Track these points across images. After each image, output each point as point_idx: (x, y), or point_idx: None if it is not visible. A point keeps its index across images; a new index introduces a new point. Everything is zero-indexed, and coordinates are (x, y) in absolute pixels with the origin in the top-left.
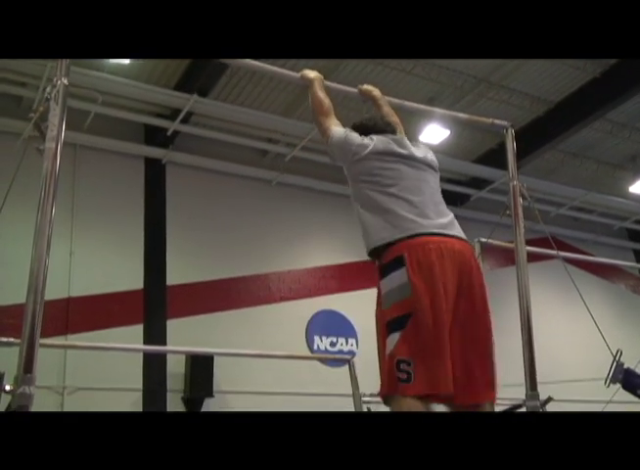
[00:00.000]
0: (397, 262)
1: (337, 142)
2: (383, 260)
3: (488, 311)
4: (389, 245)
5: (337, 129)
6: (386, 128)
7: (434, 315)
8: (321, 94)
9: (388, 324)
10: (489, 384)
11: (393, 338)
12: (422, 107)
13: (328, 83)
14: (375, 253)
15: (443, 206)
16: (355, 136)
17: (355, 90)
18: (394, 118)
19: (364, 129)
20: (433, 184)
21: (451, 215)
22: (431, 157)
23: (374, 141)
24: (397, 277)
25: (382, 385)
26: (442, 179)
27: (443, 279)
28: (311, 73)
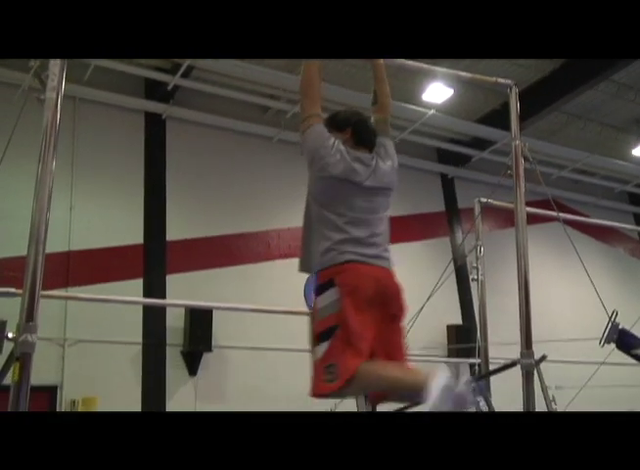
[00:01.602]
0: (330, 283)
1: (310, 147)
2: (319, 281)
3: (403, 327)
4: (326, 268)
5: (315, 129)
6: (364, 138)
7: (358, 326)
8: (314, 75)
9: (319, 335)
10: None
11: (322, 346)
12: (424, 65)
13: None
14: (310, 270)
15: (384, 237)
16: (328, 147)
17: None
18: (387, 99)
19: (356, 129)
20: (382, 213)
21: (385, 246)
22: (390, 180)
23: (342, 162)
24: (329, 295)
25: (312, 386)
26: (444, 139)
27: (368, 297)
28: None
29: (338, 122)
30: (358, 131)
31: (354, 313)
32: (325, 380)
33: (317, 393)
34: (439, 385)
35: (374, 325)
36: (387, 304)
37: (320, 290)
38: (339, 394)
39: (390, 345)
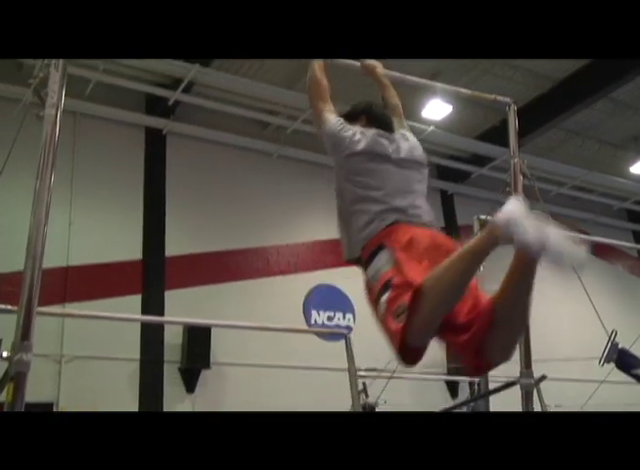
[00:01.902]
0: (379, 249)
1: (329, 133)
2: (365, 254)
3: None
4: (371, 239)
5: (331, 119)
6: (381, 120)
7: (416, 267)
8: (319, 74)
9: (377, 297)
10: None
11: (382, 302)
12: (423, 81)
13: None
14: (356, 253)
15: (426, 211)
16: (348, 130)
17: (358, 64)
18: (395, 100)
19: (369, 115)
20: (419, 185)
21: (430, 217)
22: (418, 153)
23: (365, 138)
24: (379, 259)
25: (394, 348)
26: (444, 155)
27: (423, 249)
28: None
29: (351, 114)
30: (372, 115)
31: (410, 262)
32: (399, 323)
33: (400, 345)
34: (516, 217)
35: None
36: (442, 254)
37: (368, 260)
38: (413, 325)
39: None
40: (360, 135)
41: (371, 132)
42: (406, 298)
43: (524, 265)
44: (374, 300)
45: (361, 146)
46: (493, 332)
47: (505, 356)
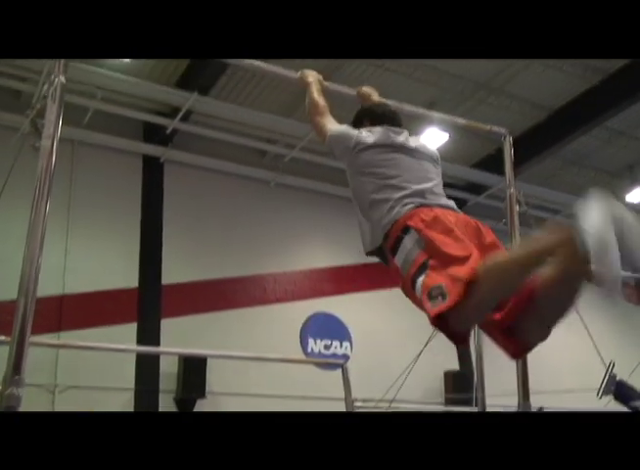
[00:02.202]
0: (404, 232)
1: (335, 136)
2: (389, 243)
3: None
4: (394, 224)
5: (334, 126)
6: (386, 117)
7: (453, 242)
8: (316, 96)
9: (412, 280)
10: None
11: (419, 283)
12: (420, 110)
13: (327, 84)
14: (377, 248)
15: (447, 200)
16: (355, 131)
17: (354, 92)
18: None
19: (371, 115)
20: (436, 176)
21: (454, 204)
22: (432, 150)
23: (374, 133)
24: (408, 241)
25: (428, 315)
26: None
27: (452, 224)
28: (310, 76)
29: (354, 122)
30: (376, 115)
31: (441, 237)
32: (433, 306)
33: (433, 317)
34: (592, 217)
35: (471, 244)
36: (476, 234)
37: (394, 247)
38: (458, 311)
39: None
40: (368, 132)
41: (379, 128)
42: (441, 279)
43: (582, 277)
44: (409, 285)
45: (372, 139)
46: (532, 312)
47: (543, 337)
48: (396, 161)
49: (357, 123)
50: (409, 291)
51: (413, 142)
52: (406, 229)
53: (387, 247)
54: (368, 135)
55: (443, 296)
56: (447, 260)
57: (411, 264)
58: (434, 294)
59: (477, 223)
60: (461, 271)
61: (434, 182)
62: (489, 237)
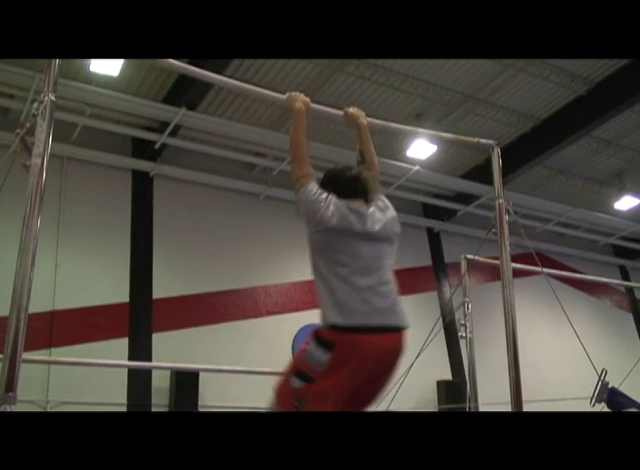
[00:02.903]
0: (330, 346)
1: (304, 204)
2: (322, 333)
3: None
4: (331, 328)
5: (308, 188)
6: (357, 191)
7: (336, 389)
8: (300, 134)
9: (298, 371)
10: None
11: (297, 382)
12: (407, 128)
13: (314, 106)
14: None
15: (391, 285)
16: (321, 201)
17: (341, 113)
18: (373, 158)
19: (336, 186)
20: (387, 261)
21: (394, 297)
22: (392, 227)
23: (336, 213)
24: (324, 354)
25: (277, 388)
26: (429, 194)
27: (358, 371)
28: (297, 102)
29: (322, 183)
30: (340, 187)
31: (337, 382)
32: (293, 405)
33: (281, 397)
34: None
35: (353, 384)
36: (377, 371)
37: (319, 341)
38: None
39: (363, 395)
40: (333, 208)
41: (344, 207)
42: (310, 401)
43: None
44: (293, 369)
45: (332, 223)
46: None
47: None
48: (350, 248)
49: (324, 185)
50: (289, 370)
51: (378, 217)
52: (331, 346)
53: (317, 333)
54: (331, 214)
55: (302, 407)
56: (323, 396)
57: (308, 364)
58: (300, 400)
59: (395, 356)
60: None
61: (385, 269)
62: (386, 372)
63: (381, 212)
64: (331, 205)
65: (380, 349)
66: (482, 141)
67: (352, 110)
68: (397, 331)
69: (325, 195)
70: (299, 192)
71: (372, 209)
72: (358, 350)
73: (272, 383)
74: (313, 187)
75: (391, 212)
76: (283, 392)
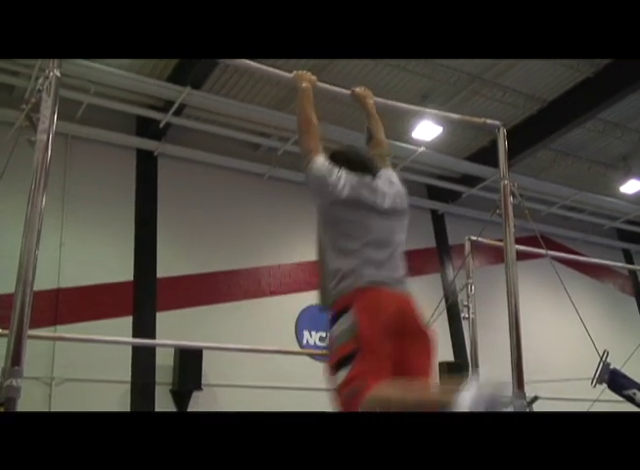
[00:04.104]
0: (347, 308)
1: (315, 176)
2: (334, 309)
3: (430, 348)
4: (344, 295)
5: (318, 161)
6: (365, 166)
7: (379, 348)
8: (308, 110)
9: (338, 362)
10: None
11: (342, 372)
12: (413, 107)
13: (320, 85)
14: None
15: (402, 260)
16: (333, 175)
17: (348, 92)
18: (381, 136)
19: (342, 160)
20: (398, 236)
21: (403, 272)
22: (401, 201)
23: (349, 185)
24: (346, 320)
25: (337, 403)
26: (434, 176)
27: (387, 321)
28: (303, 81)
29: (331, 158)
30: (351, 163)
31: (375, 336)
32: (352, 396)
33: (340, 403)
34: (468, 397)
35: (395, 348)
36: (407, 329)
37: (336, 317)
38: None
39: (414, 366)
40: (344, 181)
41: (355, 180)
42: (361, 384)
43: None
44: (334, 364)
45: (344, 195)
46: None
47: None
48: (363, 222)
49: (333, 161)
50: (332, 369)
51: (389, 191)
52: (349, 307)
53: (331, 312)
54: (343, 186)
55: (359, 390)
56: (370, 364)
57: (342, 345)
58: (352, 393)
59: (416, 314)
60: (372, 386)
61: (396, 245)
62: (418, 331)
63: (389, 187)
64: (342, 177)
65: (399, 302)
66: (489, 121)
67: (359, 89)
68: (407, 295)
69: (336, 169)
70: (309, 165)
71: (380, 183)
72: (379, 298)
73: (275, 362)
74: (323, 161)
75: (399, 187)
76: (339, 396)
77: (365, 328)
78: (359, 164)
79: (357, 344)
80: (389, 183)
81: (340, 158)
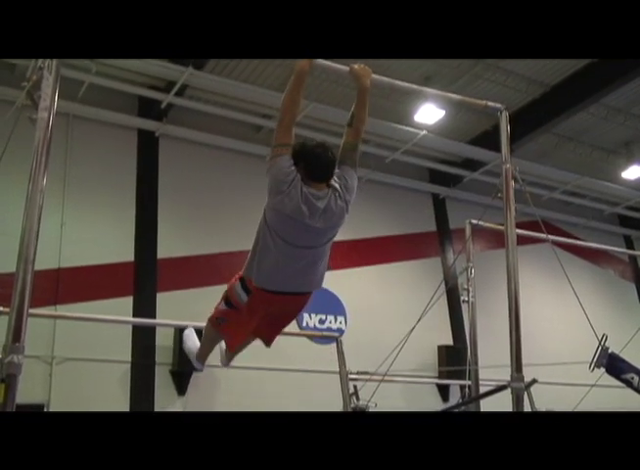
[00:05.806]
0: (248, 291)
1: (273, 177)
2: (245, 280)
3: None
4: (251, 278)
5: (281, 162)
6: (322, 175)
7: (246, 321)
8: (296, 96)
9: (227, 297)
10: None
11: (223, 305)
12: (414, 87)
13: (320, 62)
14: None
15: (319, 264)
16: (285, 186)
17: (347, 69)
18: (361, 125)
19: (305, 164)
20: (323, 247)
21: (318, 273)
22: (337, 218)
23: (293, 201)
24: (244, 293)
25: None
26: (436, 159)
27: (265, 311)
28: (302, 60)
29: (296, 157)
30: (309, 167)
31: (249, 314)
32: (217, 319)
33: (213, 313)
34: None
35: (261, 316)
36: (284, 311)
37: (242, 284)
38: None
39: (273, 327)
40: (292, 194)
41: (301, 197)
42: (227, 324)
43: None
44: (226, 295)
45: (285, 211)
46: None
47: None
48: (292, 233)
49: (297, 159)
50: (225, 293)
51: (322, 216)
52: (249, 290)
53: (244, 277)
54: (288, 201)
55: (223, 323)
56: (236, 321)
57: (235, 295)
58: (219, 320)
59: (297, 309)
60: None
61: (313, 256)
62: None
63: (336, 201)
64: (292, 190)
65: (284, 302)
66: (490, 104)
67: (358, 67)
68: (303, 294)
69: (292, 176)
70: (274, 160)
71: (328, 198)
72: (266, 301)
73: (275, 344)
74: (286, 163)
75: (350, 197)
76: (215, 310)
77: (246, 310)
78: (318, 170)
79: (240, 307)
80: (343, 191)
81: (302, 158)
